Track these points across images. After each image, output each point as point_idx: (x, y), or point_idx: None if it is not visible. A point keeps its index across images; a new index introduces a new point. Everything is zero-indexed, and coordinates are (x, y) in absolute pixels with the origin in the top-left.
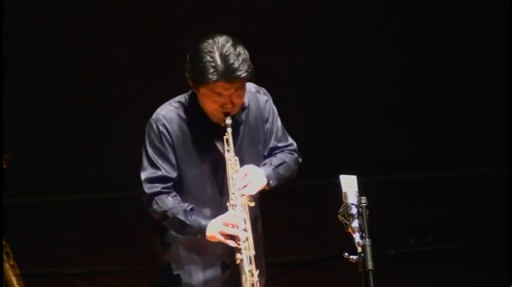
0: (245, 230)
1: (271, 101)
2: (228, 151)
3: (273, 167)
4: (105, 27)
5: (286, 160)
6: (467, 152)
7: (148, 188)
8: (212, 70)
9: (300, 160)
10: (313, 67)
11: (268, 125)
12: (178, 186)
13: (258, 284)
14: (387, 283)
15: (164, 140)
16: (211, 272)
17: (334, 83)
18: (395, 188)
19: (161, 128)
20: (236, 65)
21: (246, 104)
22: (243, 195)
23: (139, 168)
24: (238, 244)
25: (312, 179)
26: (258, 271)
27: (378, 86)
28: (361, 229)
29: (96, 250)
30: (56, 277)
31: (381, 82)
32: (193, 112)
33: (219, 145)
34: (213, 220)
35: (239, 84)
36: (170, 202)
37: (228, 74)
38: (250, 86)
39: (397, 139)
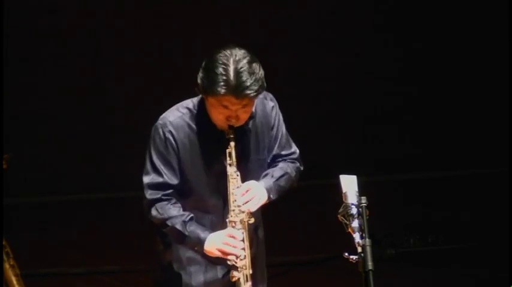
0: (243, 249)
1: (278, 107)
2: (230, 164)
3: (274, 179)
4: (105, 27)
5: (288, 170)
6: (467, 152)
7: (149, 194)
8: (223, 83)
9: (302, 168)
10: (313, 67)
11: (273, 132)
12: (181, 192)
13: None
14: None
15: (169, 146)
16: (212, 274)
17: (334, 83)
18: (395, 188)
19: (167, 134)
20: (248, 84)
21: (253, 112)
22: (243, 212)
23: (142, 170)
24: (236, 262)
25: (312, 179)
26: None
27: (378, 86)
28: (361, 229)
29: (96, 250)
30: (56, 277)
31: (381, 82)
32: (200, 119)
33: (224, 156)
34: (212, 235)
35: (247, 101)
36: (170, 211)
37: (238, 90)
38: None
39: (397, 139)
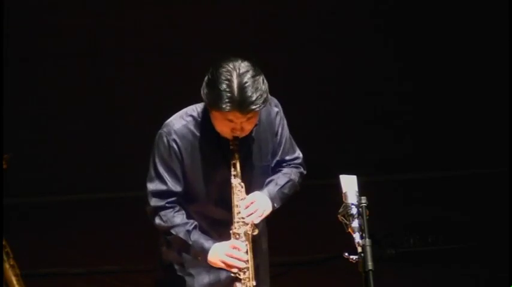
0: (247, 261)
1: (282, 112)
2: (234, 176)
3: (278, 187)
4: (105, 27)
5: (292, 176)
6: (467, 152)
7: (153, 202)
8: (227, 100)
9: (305, 172)
10: (313, 67)
11: (277, 138)
12: (186, 199)
13: None
14: (387, 283)
15: (173, 154)
16: (215, 276)
17: (334, 83)
18: (395, 188)
19: (172, 143)
20: (253, 99)
21: (257, 119)
22: (247, 224)
23: (141, 169)
24: (239, 274)
25: (312, 179)
26: None
27: (378, 86)
28: (361, 229)
29: (96, 250)
30: (56, 277)
31: (381, 82)
32: (205, 127)
33: (228, 163)
34: (215, 245)
35: (252, 114)
36: (174, 219)
37: (243, 106)
38: None
39: (397, 139)
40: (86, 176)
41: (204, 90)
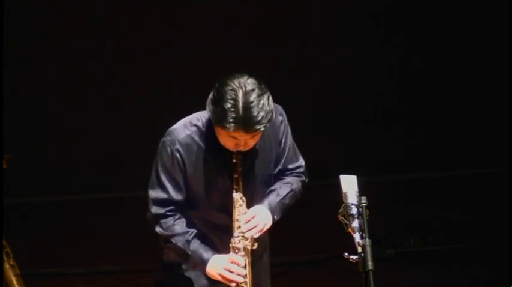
0: (245, 275)
1: (286, 120)
2: (236, 189)
3: (280, 198)
4: (105, 27)
5: (294, 186)
6: (467, 152)
7: (154, 209)
8: (232, 120)
9: (307, 180)
10: (313, 66)
11: (280, 147)
12: (189, 206)
13: None
14: (387, 283)
15: (176, 164)
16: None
17: (334, 82)
18: (395, 188)
19: (175, 153)
20: (257, 119)
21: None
22: (247, 239)
23: (148, 180)
24: None
25: (312, 179)
26: None
27: (378, 86)
28: (361, 229)
29: (96, 250)
30: (56, 277)
31: (381, 82)
32: (209, 138)
33: (230, 173)
34: (214, 257)
35: (256, 133)
36: (174, 227)
37: (248, 125)
38: None
39: (397, 139)
40: (86, 176)
41: (209, 107)
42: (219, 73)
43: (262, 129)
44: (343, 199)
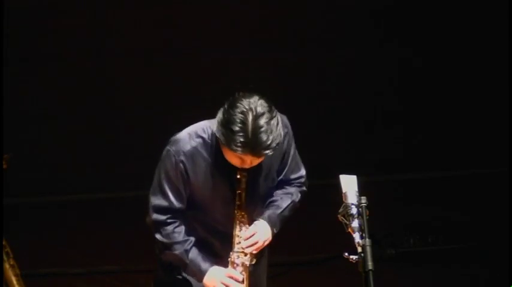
0: None
1: (291, 131)
2: (238, 205)
3: (280, 211)
4: (105, 27)
5: (293, 197)
6: (467, 152)
7: (154, 216)
8: (240, 144)
9: (307, 190)
10: (313, 67)
11: (284, 159)
12: (192, 214)
13: None
14: (387, 283)
15: (179, 174)
16: None
17: (334, 83)
18: (395, 188)
19: (179, 163)
20: (266, 144)
21: None
22: (246, 255)
23: (148, 181)
24: None
25: (312, 179)
26: None
27: (378, 86)
28: (361, 229)
29: (96, 250)
30: (56, 277)
31: (381, 82)
32: (214, 151)
33: (233, 186)
34: (212, 269)
35: (263, 156)
36: (173, 235)
37: (256, 150)
38: None
39: (397, 139)
40: (86, 176)
41: (218, 127)
42: (219, 73)
43: (270, 153)
44: (343, 199)
